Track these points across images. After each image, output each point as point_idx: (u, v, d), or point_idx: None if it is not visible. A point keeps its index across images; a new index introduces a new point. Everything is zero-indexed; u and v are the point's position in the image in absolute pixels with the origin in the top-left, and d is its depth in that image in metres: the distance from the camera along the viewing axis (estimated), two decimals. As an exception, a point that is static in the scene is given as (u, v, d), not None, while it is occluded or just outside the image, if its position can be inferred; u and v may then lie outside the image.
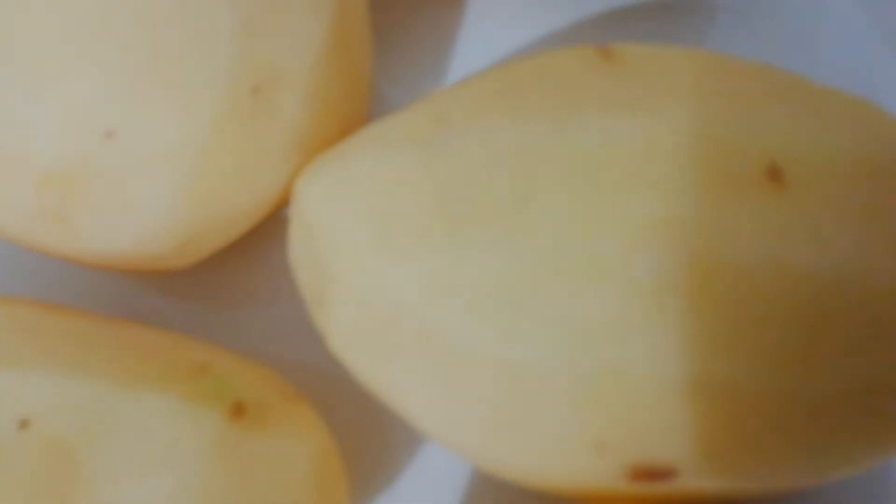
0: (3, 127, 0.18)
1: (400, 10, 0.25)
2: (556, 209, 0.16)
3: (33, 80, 0.17)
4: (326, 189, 0.18)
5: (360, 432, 0.22)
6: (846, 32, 0.24)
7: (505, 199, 0.16)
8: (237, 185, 0.19)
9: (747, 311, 0.15)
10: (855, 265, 0.15)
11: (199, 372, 0.18)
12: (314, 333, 0.19)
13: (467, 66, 0.25)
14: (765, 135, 0.16)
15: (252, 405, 0.18)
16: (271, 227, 0.22)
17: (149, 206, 0.18)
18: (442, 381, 0.16)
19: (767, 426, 0.15)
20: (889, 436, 0.16)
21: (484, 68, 0.20)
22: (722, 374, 0.15)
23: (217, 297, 0.23)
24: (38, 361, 0.17)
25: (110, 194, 0.18)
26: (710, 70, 0.17)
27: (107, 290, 0.23)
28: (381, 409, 0.21)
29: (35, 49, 0.17)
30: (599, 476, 0.16)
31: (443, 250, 0.16)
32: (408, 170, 0.17)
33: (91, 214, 0.18)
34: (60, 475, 0.16)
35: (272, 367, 0.19)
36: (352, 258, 0.17)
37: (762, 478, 0.16)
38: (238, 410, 0.17)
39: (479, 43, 0.25)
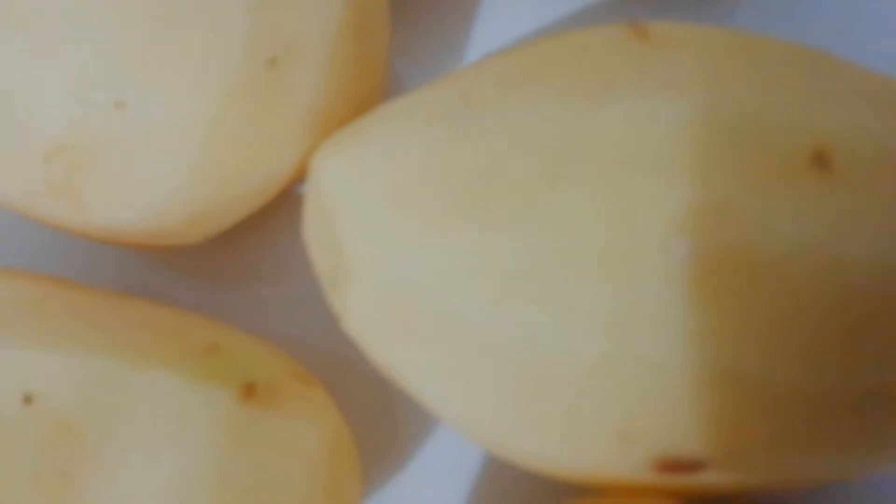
0: (10, 95, 0.18)
1: (418, -14, 0.24)
2: (588, 193, 0.15)
3: (42, 49, 0.17)
4: (345, 165, 0.17)
5: (371, 415, 0.21)
6: (884, 16, 0.24)
7: (533, 181, 0.15)
8: (250, 160, 0.19)
9: (785, 302, 0.14)
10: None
11: (210, 351, 0.18)
12: (326, 314, 0.19)
13: (488, 45, 0.24)
14: (811, 119, 0.15)
15: (263, 385, 0.17)
16: (284, 204, 0.22)
17: (159, 179, 0.18)
18: (460, 365, 0.16)
19: (800, 422, 0.15)
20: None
21: (505, 47, 0.19)
22: (755, 367, 0.15)
23: (227, 275, 0.23)
24: (43, 337, 0.17)
25: (119, 166, 0.18)
26: (751, 50, 0.17)
27: (115, 266, 0.23)
28: (393, 392, 0.21)
29: (44, 15, 0.17)
30: (624, 466, 0.16)
31: (466, 232, 0.16)
32: (431, 148, 0.16)
33: (99, 187, 0.18)
34: (66, 453, 0.16)
35: (283, 348, 0.19)
36: (370, 237, 0.17)
37: (790, 474, 0.16)
38: (249, 391, 0.17)
39: (499, 22, 0.24)
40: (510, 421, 0.16)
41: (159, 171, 0.18)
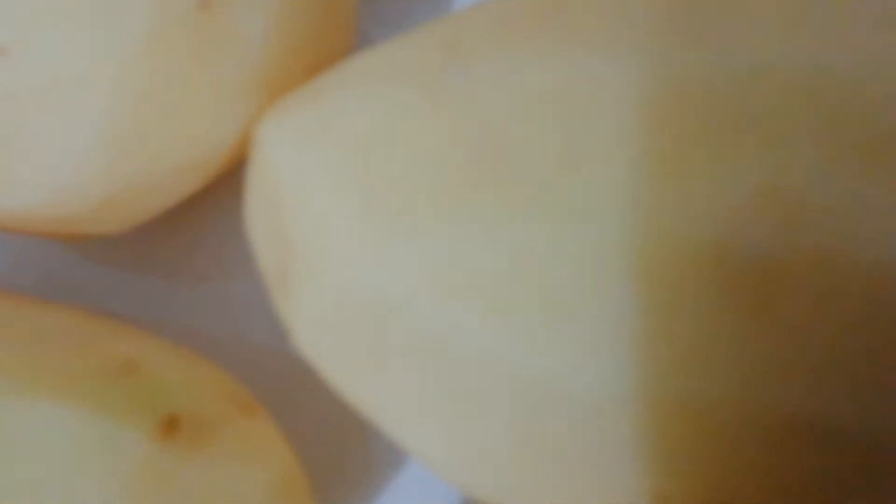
0: None
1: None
2: (612, 177, 0.13)
3: None
4: (297, 136, 0.16)
5: (331, 445, 0.20)
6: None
7: (539, 161, 0.13)
8: (177, 129, 0.17)
9: (876, 333, 0.12)
10: None
11: (126, 370, 0.16)
12: (276, 319, 0.19)
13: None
14: None
15: (189, 418, 0.16)
16: (227, 185, 0.20)
17: (61, 151, 0.16)
18: (442, 398, 0.14)
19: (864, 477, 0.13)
20: None
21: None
22: (830, 415, 0.12)
23: (159, 270, 0.21)
24: None
25: (4, 133, 0.16)
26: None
27: (29, 259, 0.21)
28: (358, 413, 0.19)
29: None
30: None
31: (451, 226, 0.14)
32: (405, 115, 0.15)
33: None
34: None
35: (221, 364, 0.18)
36: (328, 230, 0.15)
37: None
38: (171, 425, 0.15)
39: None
40: (509, 473, 0.14)
41: (57, 139, 0.16)
